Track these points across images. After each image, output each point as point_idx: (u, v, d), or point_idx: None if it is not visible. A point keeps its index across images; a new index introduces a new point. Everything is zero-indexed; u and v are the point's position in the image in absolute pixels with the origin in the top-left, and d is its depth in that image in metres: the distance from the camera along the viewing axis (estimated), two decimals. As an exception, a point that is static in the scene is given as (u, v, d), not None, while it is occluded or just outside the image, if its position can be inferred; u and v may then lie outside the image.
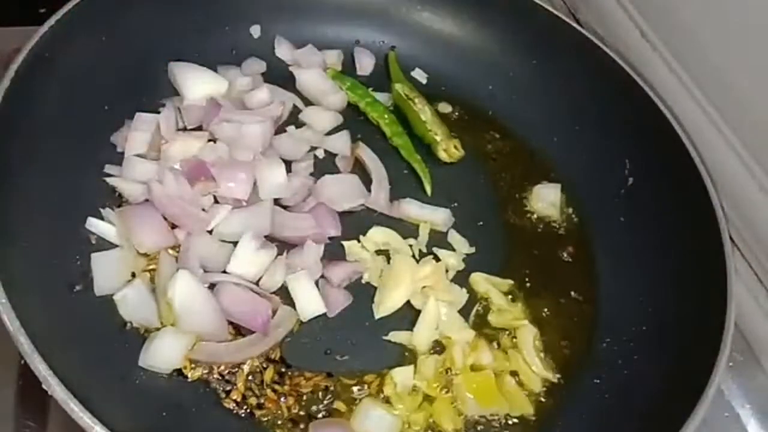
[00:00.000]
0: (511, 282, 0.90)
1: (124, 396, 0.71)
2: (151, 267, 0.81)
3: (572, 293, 0.91)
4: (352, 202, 0.92)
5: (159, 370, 0.74)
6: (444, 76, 1.10)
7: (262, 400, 0.76)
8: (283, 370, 0.78)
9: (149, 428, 0.70)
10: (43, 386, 0.62)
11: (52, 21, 0.83)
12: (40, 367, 0.61)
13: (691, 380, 0.74)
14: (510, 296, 0.90)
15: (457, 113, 1.07)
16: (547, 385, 0.83)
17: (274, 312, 0.81)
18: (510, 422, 0.80)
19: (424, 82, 1.09)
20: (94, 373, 0.69)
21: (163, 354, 0.74)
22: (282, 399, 0.76)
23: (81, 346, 0.71)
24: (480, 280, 0.90)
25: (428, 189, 0.97)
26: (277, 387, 0.77)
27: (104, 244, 0.81)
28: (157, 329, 0.76)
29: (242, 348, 0.77)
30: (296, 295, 0.82)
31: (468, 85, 1.09)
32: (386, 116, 1.02)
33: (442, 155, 1.01)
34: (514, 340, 0.85)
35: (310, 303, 0.82)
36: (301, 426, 0.75)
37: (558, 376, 0.84)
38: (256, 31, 1.05)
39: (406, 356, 0.82)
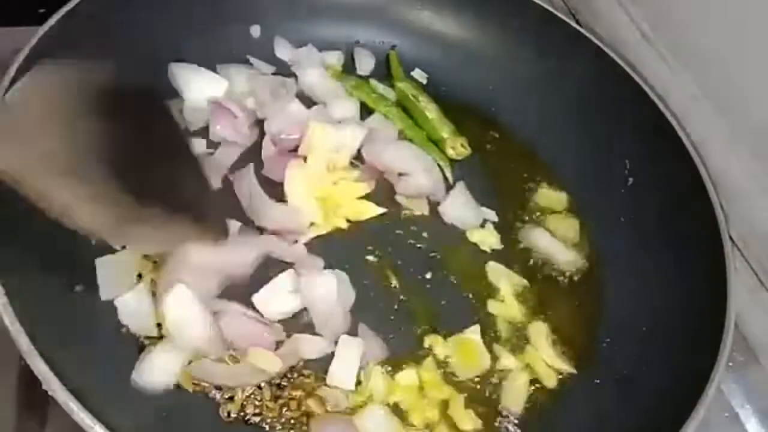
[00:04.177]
0: (526, 283, 0.90)
1: (125, 396, 0.71)
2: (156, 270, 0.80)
3: (572, 293, 0.91)
4: None
5: (152, 388, 0.72)
6: (444, 76, 1.10)
7: (260, 410, 0.75)
8: (284, 384, 0.77)
9: (149, 428, 0.70)
10: (43, 386, 0.62)
11: (52, 21, 0.83)
12: (40, 367, 0.61)
13: (691, 380, 0.73)
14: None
15: (457, 114, 1.06)
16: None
17: (278, 344, 0.78)
18: (510, 423, 0.80)
19: (424, 82, 1.09)
20: (94, 373, 0.69)
21: (155, 373, 0.72)
22: (284, 409, 0.75)
23: (81, 347, 0.71)
24: (497, 271, 0.90)
25: (449, 176, 0.98)
26: (276, 399, 0.76)
27: (106, 245, 0.80)
28: (153, 338, 0.75)
29: (238, 375, 0.75)
30: (339, 357, 0.78)
31: (468, 85, 1.09)
32: (394, 110, 1.02)
33: (450, 153, 1.01)
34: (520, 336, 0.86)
35: (342, 374, 0.78)
36: (303, 427, 0.75)
37: (569, 370, 0.84)
38: (256, 31, 1.05)
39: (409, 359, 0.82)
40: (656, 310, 0.86)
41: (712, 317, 0.78)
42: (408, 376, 0.80)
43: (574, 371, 0.83)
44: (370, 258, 0.89)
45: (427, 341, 0.83)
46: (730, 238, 0.85)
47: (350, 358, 0.78)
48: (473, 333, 0.84)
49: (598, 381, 0.83)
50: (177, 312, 0.74)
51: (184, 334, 0.74)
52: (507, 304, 0.88)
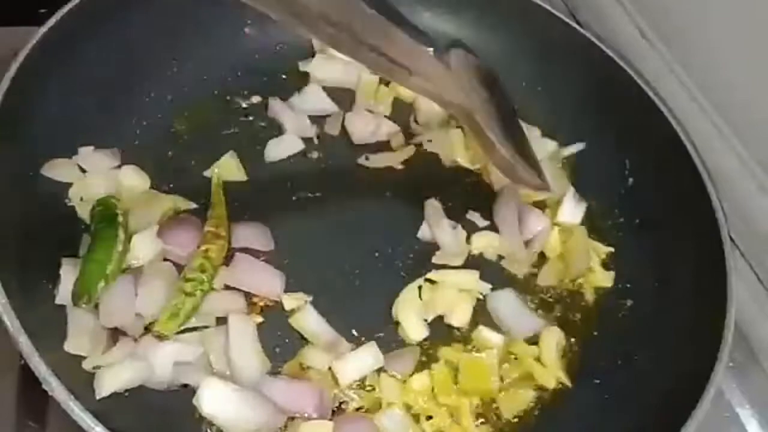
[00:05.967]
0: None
1: (125, 396, 0.71)
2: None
3: (572, 293, 0.91)
4: None
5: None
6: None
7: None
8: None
9: (150, 429, 0.70)
10: (43, 386, 0.62)
11: (52, 21, 0.83)
12: (40, 368, 0.61)
13: (691, 380, 0.74)
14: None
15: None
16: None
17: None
18: (510, 422, 0.80)
19: (425, 82, 1.09)
20: (95, 373, 0.69)
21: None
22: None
23: (81, 346, 0.71)
24: None
25: None
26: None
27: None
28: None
29: None
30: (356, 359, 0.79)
31: (468, 86, 1.09)
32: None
33: None
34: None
35: (347, 373, 0.78)
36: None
37: (566, 383, 0.83)
38: (253, 30, 1.04)
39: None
40: (656, 310, 0.86)
41: (712, 317, 0.78)
42: (420, 379, 0.79)
43: (570, 385, 0.82)
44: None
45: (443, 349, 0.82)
46: (730, 238, 0.85)
47: (362, 365, 0.78)
48: (490, 357, 0.82)
49: (598, 381, 0.83)
50: (218, 407, 0.70)
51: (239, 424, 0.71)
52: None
